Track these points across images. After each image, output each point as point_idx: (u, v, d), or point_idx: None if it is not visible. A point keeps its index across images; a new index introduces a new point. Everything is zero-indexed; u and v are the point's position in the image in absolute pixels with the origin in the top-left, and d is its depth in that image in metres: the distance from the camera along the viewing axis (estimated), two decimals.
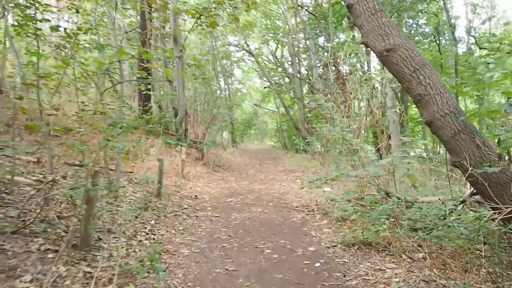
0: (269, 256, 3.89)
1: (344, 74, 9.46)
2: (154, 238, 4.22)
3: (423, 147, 14.99)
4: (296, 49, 20.62)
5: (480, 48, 17.38)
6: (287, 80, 23.48)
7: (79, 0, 6.22)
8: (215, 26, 9.62)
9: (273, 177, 10.51)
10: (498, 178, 3.13)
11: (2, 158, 4.69)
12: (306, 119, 17.81)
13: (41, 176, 4.71)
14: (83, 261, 3.09)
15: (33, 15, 4.80)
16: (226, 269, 3.49)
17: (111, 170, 5.54)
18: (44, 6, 5.10)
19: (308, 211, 5.91)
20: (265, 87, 24.79)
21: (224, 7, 11.22)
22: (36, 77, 4.87)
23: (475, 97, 16.05)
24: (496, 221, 2.88)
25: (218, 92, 19.16)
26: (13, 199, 3.78)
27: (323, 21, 17.25)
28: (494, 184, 3.13)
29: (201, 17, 9.67)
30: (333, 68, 11.45)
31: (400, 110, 9.62)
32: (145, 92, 10.72)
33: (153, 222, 4.77)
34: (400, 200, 4.48)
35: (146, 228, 4.48)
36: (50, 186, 4.00)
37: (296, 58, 20.75)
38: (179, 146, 8.65)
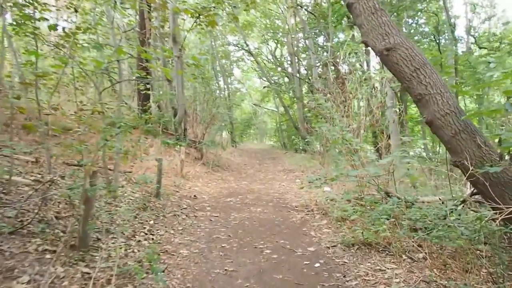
0: (268, 256, 3.87)
1: (344, 73, 9.44)
2: (153, 239, 4.20)
3: (422, 146, 14.98)
4: (295, 48, 20.60)
5: (480, 48, 17.38)
6: (286, 79, 23.47)
7: None
8: (214, 25, 9.59)
9: (272, 177, 10.49)
10: (499, 178, 3.11)
11: (0, 158, 4.66)
12: (306, 118, 17.81)
13: (40, 176, 4.69)
14: (81, 262, 3.07)
15: (31, 14, 4.77)
16: (225, 270, 3.47)
17: (110, 170, 5.52)
18: (43, 5, 5.07)
19: (307, 211, 5.89)
20: (264, 87, 24.75)
21: (223, 6, 11.19)
22: (34, 76, 4.84)
23: (475, 97, 16.03)
24: (498, 221, 2.86)
25: (218, 91, 19.11)
26: (11, 199, 3.75)
27: (323, 21, 17.23)
28: (495, 184, 3.12)
29: (200, 16, 9.63)
30: (333, 67, 11.43)
31: (399, 109, 9.61)
32: (144, 92, 10.68)
33: (152, 222, 4.75)
34: (400, 200, 4.47)
35: (145, 228, 4.46)
36: (48, 186, 3.98)
37: (296, 57, 20.73)
38: (178, 146, 8.62)
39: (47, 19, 4.76)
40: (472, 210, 3.96)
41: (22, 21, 4.59)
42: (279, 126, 26.10)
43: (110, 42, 7.85)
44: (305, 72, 21.45)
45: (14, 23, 4.63)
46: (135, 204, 5.14)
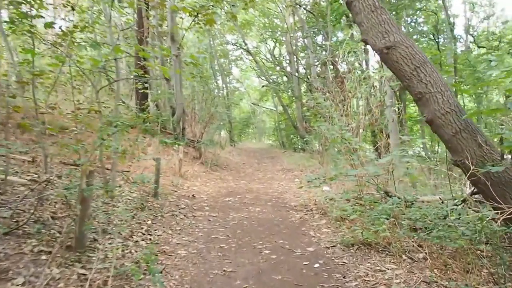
0: (267, 256, 3.83)
1: (343, 72, 9.40)
2: (150, 239, 4.16)
3: (421, 146, 14.97)
4: (294, 47, 20.55)
5: (479, 47, 17.36)
6: (285, 78, 23.43)
7: None
8: (212, 24, 9.54)
9: (271, 176, 10.46)
10: (500, 177, 3.09)
11: None
12: (304, 117, 17.78)
13: (36, 175, 4.64)
14: (77, 263, 3.02)
15: (28, 12, 4.71)
16: (224, 270, 3.43)
17: (107, 169, 5.47)
18: (39, 2, 5.01)
19: (306, 210, 5.86)
20: (263, 86, 24.70)
21: (221, 5, 11.14)
22: (31, 75, 4.79)
23: (473, 96, 16.02)
24: (499, 221, 2.83)
25: (216, 91, 19.07)
26: (7, 199, 3.71)
27: (321, 20, 17.20)
28: (496, 184, 3.09)
29: (199, 15, 9.58)
30: (332, 66, 11.40)
31: (399, 108, 9.59)
32: (142, 91, 10.64)
33: (149, 222, 4.71)
34: (400, 200, 4.44)
35: (142, 228, 4.41)
36: (44, 186, 3.93)
37: (294, 56, 20.69)
38: (177, 145, 8.58)
39: (42, 17, 4.70)
40: (472, 210, 3.93)
41: (19, 19, 4.54)
42: (278, 125, 26.07)
43: (108, 41, 7.80)
44: (304, 71, 21.42)
45: (11, 21, 4.58)
46: (133, 204, 5.09)
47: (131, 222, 4.44)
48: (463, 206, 4.00)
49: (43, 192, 3.80)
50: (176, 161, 8.43)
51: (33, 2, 4.74)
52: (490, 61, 3.38)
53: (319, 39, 19.34)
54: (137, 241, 3.95)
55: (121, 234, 3.95)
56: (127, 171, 6.60)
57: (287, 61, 23.01)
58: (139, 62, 9.70)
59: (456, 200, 3.87)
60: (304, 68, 21.54)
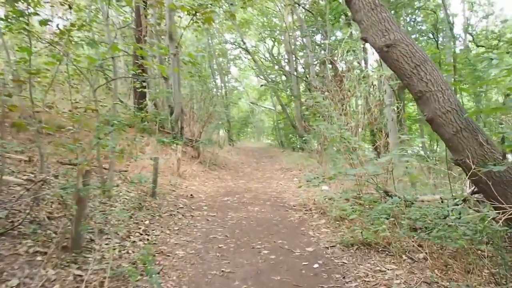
0: (266, 257, 3.79)
1: (342, 71, 9.37)
2: (148, 239, 4.11)
3: (420, 145, 14.95)
4: (293, 46, 20.51)
5: (477, 46, 17.34)
6: (284, 78, 23.38)
7: None
8: (210, 22, 9.50)
9: (270, 176, 10.42)
10: (501, 176, 3.06)
11: None
12: (303, 117, 17.75)
13: (32, 175, 4.58)
14: (73, 264, 2.98)
15: (24, 10, 4.65)
16: (222, 271, 3.39)
17: (105, 169, 5.42)
18: (35, 0, 4.97)
19: (305, 210, 5.83)
20: (261, 85, 24.67)
21: (220, 4, 11.10)
22: (27, 74, 4.73)
23: (472, 95, 16.01)
24: (501, 221, 2.80)
25: (215, 90, 19.03)
26: (2, 199, 3.65)
27: (320, 19, 17.15)
28: (497, 183, 3.06)
29: (197, 13, 9.54)
30: (331, 65, 11.37)
31: (398, 108, 9.56)
32: (140, 90, 10.58)
33: (147, 222, 4.66)
34: (399, 199, 4.41)
35: (140, 228, 4.37)
36: (40, 185, 3.88)
37: (293, 55, 20.64)
38: (175, 145, 8.53)
39: (38, 14, 4.64)
40: (474, 210, 3.90)
41: (14, 17, 4.48)
42: (277, 124, 26.04)
43: (106, 39, 7.74)
44: (303, 70, 21.37)
45: (7, 19, 4.52)
46: (130, 203, 5.05)
47: (129, 222, 4.40)
48: (464, 205, 3.97)
49: (39, 191, 3.75)
50: (174, 161, 8.38)
51: (30, 0, 4.68)
52: (491, 59, 3.34)
53: (318, 38, 19.32)
54: (134, 242, 3.91)
55: (118, 234, 3.90)
56: (125, 171, 6.55)
57: (286, 60, 22.97)
58: (137, 61, 9.65)
59: (457, 200, 3.84)
60: (303, 67, 21.49)
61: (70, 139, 4.94)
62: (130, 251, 3.61)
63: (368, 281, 3.13)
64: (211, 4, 9.73)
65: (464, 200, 3.93)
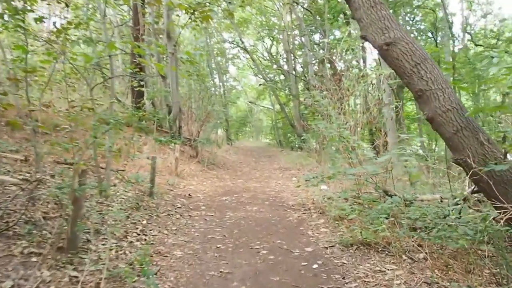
0: (265, 257, 3.75)
1: (341, 70, 9.34)
2: (145, 239, 4.07)
3: (419, 144, 14.93)
4: (291, 45, 20.48)
5: (476, 45, 17.33)
6: (282, 77, 23.35)
7: None
8: (208, 20, 9.43)
9: (268, 175, 10.38)
10: (502, 176, 3.03)
11: None
12: (302, 116, 17.72)
13: (28, 174, 4.53)
14: (69, 265, 2.93)
15: (20, 7, 4.59)
16: (220, 272, 3.35)
17: (102, 168, 5.37)
18: None
19: (304, 210, 5.79)
20: (260, 84, 24.62)
21: (218, 2, 11.04)
22: (23, 72, 4.68)
23: (471, 94, 15.99)
24: (502, 221, 2.76)
25: (213, 89, 18.98)
26: None
27: (319, 18, 17.12)
28: (498, 183, 3.03)
29: (195, 12, 9.48)
30: (329, 64, 11.33)
31: (397, 107, 9.53)
32: (138, 89, 10.53)
33: (144, 222, 4.62)
34: (399, 199, 4.37)
35: (137, 228, 4.32)
36: (36, 185, 3.83)
37: (292, 55, 20.62)
38: (173, 144, 8.49)
39: (32, 11, 4.58)
40: (473, 209, 3.87)
41: (10, 15, 4.42)
42: (275, 123, 26.02)
43: (103, 38, 7.68)
44: (301, 69, 21.34)
45: (2, 17, 4.45)
46: (128, 203, 5.00)
47: (126, 222, 4.35)
48: (464, 205, 3.94)
49: (34, 191, 3.70)
50: (172, 160, 8.33)
51: None
52: (492, 57, 3.31)
53: (317, 37, 19.30)
54: (131, 242, 3.86)
55: (115, 235, 3.86)
56: (122, 170, 6.50)
57: (284, 59, 22.93)
58: (134, 60, 9.59)
59: (457, 199, 3.81)
60: (302, 66, 21.46)
61: (66, 138, 4.89)
62: (127, 252, 3.56)
63: (368, 281, 3.10)
64: (209, 3, 9.68)
65: (464, 200, 3.90)
